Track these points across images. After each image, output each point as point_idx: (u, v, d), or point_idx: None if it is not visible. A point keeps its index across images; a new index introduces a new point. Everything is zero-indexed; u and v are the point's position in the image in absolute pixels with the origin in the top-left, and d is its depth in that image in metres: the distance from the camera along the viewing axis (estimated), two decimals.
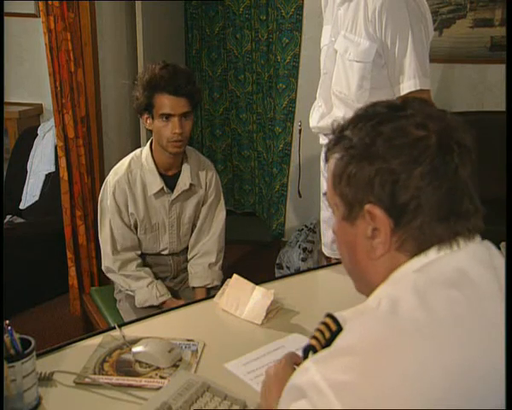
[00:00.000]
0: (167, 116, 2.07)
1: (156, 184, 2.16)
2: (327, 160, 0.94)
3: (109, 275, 2.26)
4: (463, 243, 0.84)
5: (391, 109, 0.87)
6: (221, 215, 2.33)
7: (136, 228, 2.22)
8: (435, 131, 0.83)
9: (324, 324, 0.87)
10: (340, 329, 0.84)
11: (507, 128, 1.08)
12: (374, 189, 0.84)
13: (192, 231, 2.32)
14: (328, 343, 0.85)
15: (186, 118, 2.09)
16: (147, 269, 2.23)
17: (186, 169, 2.21)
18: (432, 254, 0.84)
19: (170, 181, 2.20)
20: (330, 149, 0.92)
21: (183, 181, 2.20)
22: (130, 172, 2.17)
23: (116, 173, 2.18)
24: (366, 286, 0.92)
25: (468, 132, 0.86)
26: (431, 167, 0.81)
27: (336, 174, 0.90)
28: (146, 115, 2.13)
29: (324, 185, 2.32)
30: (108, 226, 2.20)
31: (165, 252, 2.30)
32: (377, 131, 0.84)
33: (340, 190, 0.89)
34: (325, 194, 0.96)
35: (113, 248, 2.20)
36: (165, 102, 2.06)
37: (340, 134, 0.90)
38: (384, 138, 0.83)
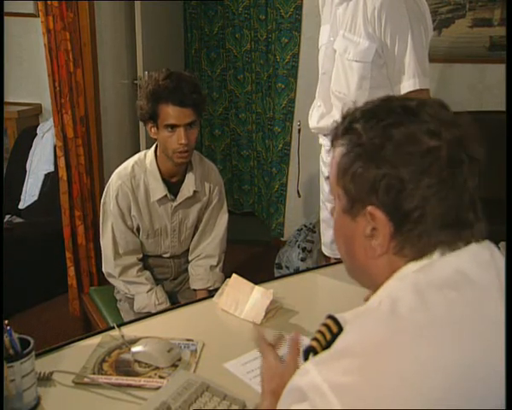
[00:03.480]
0: (172, 127, 2.02)
1: (160, 190, 2.14)
2: (333, 145, 0.92)
3: (110, 279, 2.25)
4: (464, 247, 0.84)
5: (405, 111, 0.85)
6: (223, 218, 2.31)
7: (138, 231, 2.21)
8: (448, 140, 0.81)
9: (325, 325, 0.87)
10: (341, 330, 0.84)
11: (507, 128, 1.08)
12: (378, 192, 0.83)
13: (194, 234, 2.31)
14: (328, 345, 0.84)
15: (191, 127, 2.05)
16: (147, 274, 2.22)
17: (190, 176, 2.17)
18: (429, 257, 0.84)
19: (173, 187, 2.17)
20: (338, 136, 0.90)
21: (187, 188, 2.17)
22: (134, 177, 2.13)
23: (119, 177, 2.14)
24: (365, 279, 0.93)
25: (480, 143, 0.85)
26: (439, 179, 0.80)
27: (341, 168, 0.88)
28: (150, 124, 2.08)
29: (325, 183, 2.32)
30: (110, 230, 2.18)
31: (167, 255, 2.30)
32: (388, 135, 0.83)
33: (344, 184, 0.88)
34: (328, 178, 0.94)
35: (115, 253, 2.19)
36: (170, 113, 2.01)
37: (349, 125, 0.88)
38: (394, 144, 0.82)
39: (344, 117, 0.91)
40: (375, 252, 0.86)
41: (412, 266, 0.84)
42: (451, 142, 0.81)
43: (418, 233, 0.83)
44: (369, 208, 0.84)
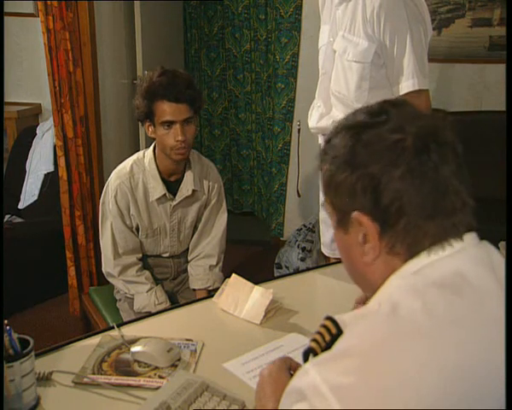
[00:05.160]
0: (169, 123, 2.03)
1: (158, 189, 2.14)
2: (320, 169, 0.96)
3: (109, 279, 2.25)
4: (455, 241, 0.85)
5: (369, 116, 0.89)
6: (223, 218, 2.31)
7: (137, 230, 2.21)
8: (412, 132, 0.84)
9: (324, 326, 0.87)
10: (339, 332, 0.84)
11: (507, 128, 1.08)
12: (357, 196, 0.86)
13: (193, 233, 2.31)
14: (328, 346, 0.85)
15: (188, 123, 2.05)
16: (147, 274, 2.22)
17: (189, 175, 2.18)
18: (425, 255, 0.84)
19: (172, 187, 2.17)
20: (321, 158, 0.94)
21: (186, 187, 2.17)
22: (133, 177, 2.14)
23: (118, 177, 2.15)
24: (368, 287, 0.94)
25: (450, 129, 0.88)
26: (408, 168, 0.82)
27: (325, 184, 0.92)
28: (148, 123, 2.09)
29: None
30: (110, 230, 2.18)
31: (166, 254, 2.30)
32: (357, 139, 0.86)
33: (331, 200, 0.92)
34: (323, 204, 0.98)
35: (115, 252, 2.19)
36: (166, 110, 2.01)
37: (327, 144, 0.93)
38: (363, 145, 0.85)
39: (325, 141, 0.95)
40: (370, 256, 0.88)
41: (410, 268, 0.85)
42: (415, 133, 0.84)
43: (403, 226, 0.84)
44: (354, 214, 0.87)
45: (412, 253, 0.85)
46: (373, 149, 0.84)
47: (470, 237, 0.87)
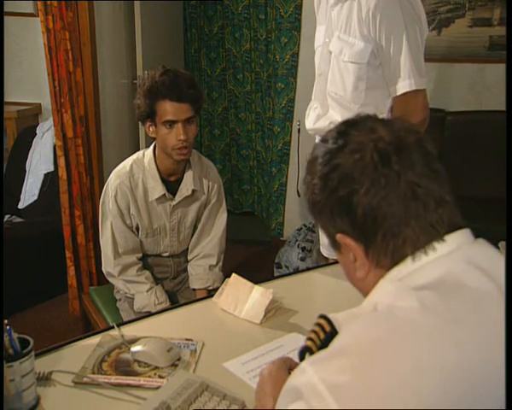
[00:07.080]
0: (171, 123, 2.02)
1: (158, 189, 2.14)
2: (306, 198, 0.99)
3: (109, 279, 2.25)
4: (438, 243, 0.85)
5: (332, 141, 0.91)
6: (222, 218, 2.31)
7: (137, 230, 2.21)
8: (370, 148, 0.86)
9: (318, 325, 0.88)
10: (334, 330, 0.85)
11: (507, 128, 1.08)
12: (336, 220, 0.89)
13: (193, 233, 2.31)
14: (323, 344, 0.85)
15: (190, 123, 2.05)
16: (147, 274, 2.22)
17: (189, 175, 2.18)
18: (410, 262, 0.85)
19: (172, 186, 2.17)
20: (305, 187, 0.97)
21: (186, 187, 2.17)
22: (132, 176, 2.14)
23: (118, 176, 2.15)
24: None
25: (413, 132, 0.90)
26: (372, 183, 0.85)
27: (310, 212, 0.96)
28: (148, 123, 2.08)
29: None
30: (110, 229, 2.18)
31: (166, 254, 2.30)
32: (325, 166, 0.90)
33: (319, 225, 0.96)
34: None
35: (115, 252, 2.18)
36: (168, 109, 2.01)
37: (307, 175, 0.96)
38: (332, 171, 0.88)
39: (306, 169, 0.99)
40: (362, 272, 0.90)
41: (395, 275, 0.86)
42: (373, 147, 0.86)
43: (381, 239, 0.86)
44: (338, 237, 0.90)
45: (395, 262, 0.86)
46: (340, 172, 0.87)
47: (465, 236, 0.87)
